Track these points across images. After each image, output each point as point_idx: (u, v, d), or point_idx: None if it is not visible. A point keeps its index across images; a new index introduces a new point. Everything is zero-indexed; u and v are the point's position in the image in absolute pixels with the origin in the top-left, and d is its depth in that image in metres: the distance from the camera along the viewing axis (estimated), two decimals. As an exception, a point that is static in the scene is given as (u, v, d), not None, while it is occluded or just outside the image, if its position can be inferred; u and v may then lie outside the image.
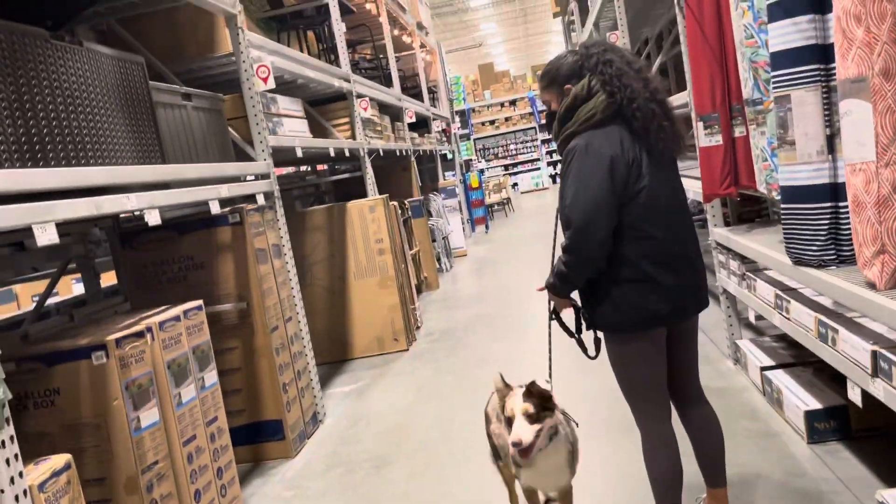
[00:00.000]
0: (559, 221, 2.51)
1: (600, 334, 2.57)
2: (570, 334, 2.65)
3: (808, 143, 2.72)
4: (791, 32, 2.68)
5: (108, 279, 5.53)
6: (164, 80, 4.21)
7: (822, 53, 2.66)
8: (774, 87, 2.80)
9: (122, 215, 4.68)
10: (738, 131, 3.75)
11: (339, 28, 6.51)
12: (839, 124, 2.51)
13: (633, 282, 2.37)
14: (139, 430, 2.82)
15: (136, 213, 3.45)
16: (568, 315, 2.67)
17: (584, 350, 2.65)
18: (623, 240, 2.36)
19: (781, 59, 2.74)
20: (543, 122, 3.30)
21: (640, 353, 2.46)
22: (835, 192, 2.69)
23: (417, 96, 11.18)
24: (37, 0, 3.12)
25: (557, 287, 2.52)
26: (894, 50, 2.24)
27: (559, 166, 2.54)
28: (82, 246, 4.50)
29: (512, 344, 5.77)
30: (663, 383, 2.52)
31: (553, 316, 2.68)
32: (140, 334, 2.91)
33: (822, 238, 2.73)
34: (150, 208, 3.05)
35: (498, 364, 5.30)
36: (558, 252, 2.51)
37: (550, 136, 2.69)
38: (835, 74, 2.52)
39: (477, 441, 3.96)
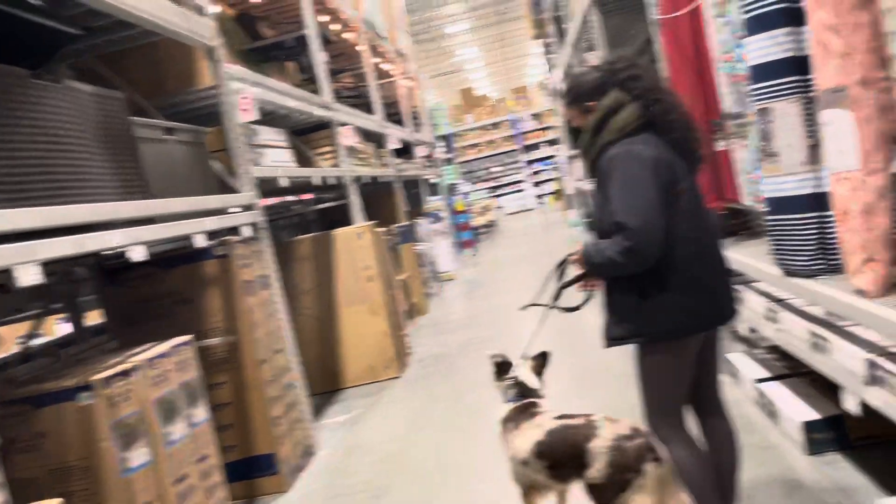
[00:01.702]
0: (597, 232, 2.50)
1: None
2: (557, 306, 2.67)
3: (791, 154, 2.74)
4: (769, 45, 2.72)
5: (95, 318, 5.46)
6: (146, 115, 4.20)
7: (800, 65, 2.69)
8: (755, 100, 2.83)
9: (106, 252, 4.64)
10: (720, 146, 3.78)
11: (319, 58, 6.54)
12: (821, 134, 2.53)
13: (684, 286, 2.35)
14: (129, 471, 2.76)
15: (121, 249, 3.41)
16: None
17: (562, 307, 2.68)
18: (671, 244, 2.33)
19: (761, 72, 2.77)
20: (572, 137, 3.16)
21: (683, 359, 2.43)
22: (820, 201, 2.71)
23: (400, 122, 11.22)
24: (17, 40, 3.11)
25: (601, 269, 2.42)
26: (871, 59, 2.27)
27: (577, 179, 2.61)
28: (66, 285, 4.44)
29: (504, 366, 5.72)
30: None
31: (564, 281, 2.66)
32: (127, 373, 2.86)
33: (811, 248, 2.74)
34: (135, 244, 3.02)
35: (492, 388, 5.25)
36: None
37: (577, 152, 2.68)
38: (814, 85, 2.55)
39: (473, 467, 3.92)
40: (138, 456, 2.82)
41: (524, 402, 2.76)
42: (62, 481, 2.70)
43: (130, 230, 3.01)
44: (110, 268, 4.13)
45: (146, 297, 4.04)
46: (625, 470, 2.31)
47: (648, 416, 2.52)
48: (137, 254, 3.03)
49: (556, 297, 2.68)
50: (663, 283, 2.35)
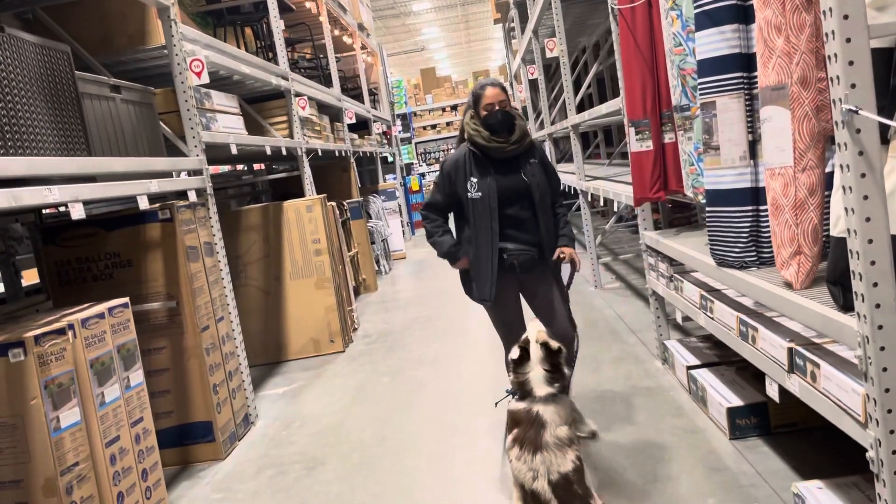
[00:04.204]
0: (545, 202, 3.45)
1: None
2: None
3: (731, 148, 2.82)
4: (717, 41, 2.78)
5: (31, 277, 5.33)
6: (92, 71, 4.08)
7: (745, 62, 2.76)
8: (700, 94, 2.90)
9: (45, 210, 4.52)
10: (668, 137, 3.86)
11: (277, 25, 6.43)
12: (760, 130, 2.61)
13: None
14: (59, 431, 2.72)
15: (60, 208, 3.34)
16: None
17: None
18: None
19: (707, 67, 2.83)
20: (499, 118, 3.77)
21: None
22: (756, 195, 2.80)
23: (358, 98, 11.13)
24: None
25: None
26: (812, 59, 2.34)
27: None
28: (1, 242, 4.32)
29: (449, 345, 5.79)
30: None
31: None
32: (61, 331, 2.81)
33: (744, 240, 2.84)
34: (74, 201, 2.94)
35: (435, 365, 5.32)
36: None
37: (509, 135, 3.43)
38: (757, 82, 2.63)
39: (411, 441, 3.96)
40: (69, 416, 2.78)
41: (532, 415, 2.63)
42: (-12, 438, 2.64)
43: (70, 187, 2.93)
44: (49, 226, 4.03)
45: (85, 257, 3.95)
46: None
47: (570, 314, 3.54)
48: (77, 212, 2.96)
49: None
50: None
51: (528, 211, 3.41)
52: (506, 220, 3.38)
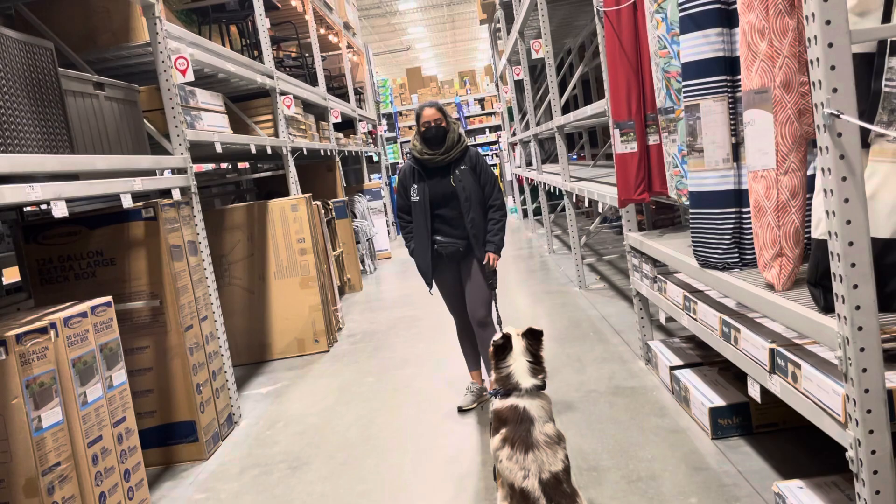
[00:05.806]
0: (471, 201, 4.03)
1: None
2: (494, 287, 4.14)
3: (715, 150, 2.85)
4: (701, 44, 2.81)
5: (12, 276, 5.27)
6: (75, 68, 4.05)
7: (729, 65, 2.79)
8: (685, 97, 2.92)
9: (26, 208, 4.48)
10: (652, 139, 3.89)
11: (262, 23, 6.41)
12: (743, 133, 2.64)
13: None
14: (40, 431, 2.70)
15: (42, 205, 3.30)
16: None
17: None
18: None
19: (691, 70, 2.86)
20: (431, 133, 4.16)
21: None
22: (739, 198, 2.83)
23: (343, 97, 11.10)
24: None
25: (504, 234, 4.10)
26: (794, 63, 2.38)
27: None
28: (-18, 239, 4.28)
29: (434, 345, 5.79)
30: None
31: (494, 280, 4.12)
32: (43, 330, 2.79)
33: (727, 242, 2.86)
34: (57, 199, 2.92)
35: (420, 365, 5.32)
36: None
37: (440, 147, 4.06)
38: (740, 85, 2.66)
39: (395, 441, 3.96)
40: (51, 415, 2.76)
41: (519, 411, 2.59)
42: (-32, 438, 2.62)
43: (52, 184, 2.90)
44: (31, 224, 3.99)
45: (67, 255, 3.92)
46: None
47: (490, 309, 4.09)
48: (59, 210, 2.93)
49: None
50: None
51: (456, 210, 4.07)
52: (437, 219, 4.10)
